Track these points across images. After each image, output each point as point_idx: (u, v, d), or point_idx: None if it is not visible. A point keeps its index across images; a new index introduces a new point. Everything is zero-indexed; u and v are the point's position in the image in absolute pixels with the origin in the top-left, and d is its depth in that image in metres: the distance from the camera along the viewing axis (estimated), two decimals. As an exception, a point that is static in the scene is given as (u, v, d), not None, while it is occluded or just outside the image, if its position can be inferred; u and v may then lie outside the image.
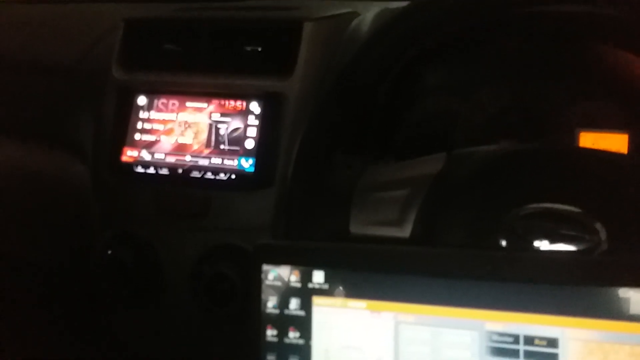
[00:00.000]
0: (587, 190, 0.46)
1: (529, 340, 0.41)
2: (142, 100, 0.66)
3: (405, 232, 0.47)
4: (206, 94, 0.64)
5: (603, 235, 0.44)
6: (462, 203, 0.47)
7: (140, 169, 0.64)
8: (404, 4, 0.75)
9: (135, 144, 0.65)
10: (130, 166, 0.65)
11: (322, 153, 0.54)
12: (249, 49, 0.64)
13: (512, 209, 0.45)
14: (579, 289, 0.40)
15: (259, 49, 0.64)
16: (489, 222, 0.46)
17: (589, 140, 0.66)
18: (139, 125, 0.65)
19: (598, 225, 0.44)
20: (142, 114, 0.66)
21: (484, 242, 0.45)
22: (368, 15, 0.71)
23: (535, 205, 0.45)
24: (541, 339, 0.41)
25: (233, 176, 0.62)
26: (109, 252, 0.63)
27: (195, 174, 0.63)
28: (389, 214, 0.48)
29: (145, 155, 0.65)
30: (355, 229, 0.49)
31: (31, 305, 0.77)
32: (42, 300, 0.77)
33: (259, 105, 0.62)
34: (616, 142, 0.65)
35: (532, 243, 0.45)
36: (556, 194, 0.46)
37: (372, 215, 0.49)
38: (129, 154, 0.65)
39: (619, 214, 0.44)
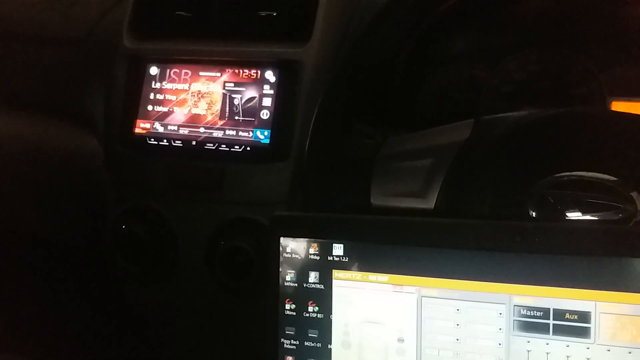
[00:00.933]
0: (621, 157, 0.43)
1: (560, 314, 0.39)
2: (154, 70, 0.64)
3: (429, 203, 0.45)
4: (219, 63, 0.62)
5: (639, 204, 0.41)
6: (490, 172, 0.44)
7: (153, 141, 0.63)
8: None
9: (147, 116, 0.64)
10: (143, 138, 0.63)
11: (340, 123, 0.52)
12: (263, 14, 0.62)
13: (543, 177, 0.43)
14: (612, 260, 0.38)
15: (274, 14, 0.62)
16: (518, 192, 0.44)
17: (621, 108, 0.63)
18: (151, 96, 0.64)
19: (634, 194, 0.42)
20: (154, 85, 0.64)
21: (513, 212, 0.43)
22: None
23: (567, 173, 0.43)
24: (572, 312, 0.39)
25: (248, 148, 0.60)
26: (123, 226, 0.62)
27: (209, 146, 0.61)
28: (412, 184, 0.46)
29: (158, 127, 0.63)
30: (377, 200, 0.48)
31: (45, 281, 0.77)
32: (56, 275, 0.76)
33: (274, 74, 0.60)
34: (650, 111, 0.62)
35: (564, 213, 0.42)
36: (589, 161, 0.43)
37: (394, 186, 0.47)
38: (141, 126, 0.64)
39: None
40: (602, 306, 0.38)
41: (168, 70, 0.64)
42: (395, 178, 0.47)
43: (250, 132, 0.60)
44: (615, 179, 0.42)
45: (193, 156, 0.62)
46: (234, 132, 0.61)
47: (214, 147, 0.61)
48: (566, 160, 0.43)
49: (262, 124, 0.60)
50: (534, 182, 0.43)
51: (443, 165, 0.46)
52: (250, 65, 0.61)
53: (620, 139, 0.44)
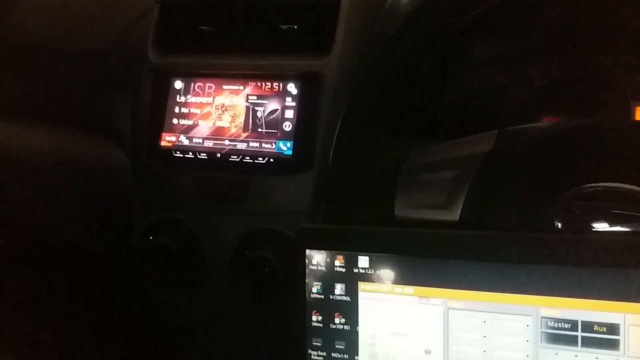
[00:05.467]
0: None
1: (588, 326, 0.39)
2: (178, 84, 0.65)
3: (454, 215, 0.46)
4: (242, 76, 0.63)
5: (667, 215, 0.41)
6: (515, 183, 0.44)
7: (178, 154, 0.64)
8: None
9: (173, 129, 0.65)
10: (169, 151, 0.64)
11: (363, 134, 0.53)
12: (284, 27, 0.63)
13: (568, 189, 0.43)
14: (640, 272, 0.37)
15: (295, 27, 0.62)
16: (543, 203, 0.43)
17: (646, 114, 0.63)
18: (176, 109, 0.65)
19: (661, 205, 0.41)
20: (179, 98, 0.65)
21: (539, 224, 0.43)
22: (407, -12, 0.68)
23: (592, 184, 0.43)
24: (601, 325, 0.39)
25: (271, 160, 0.61)
26: (151, 237, 0.63)
27: (234, 158, 0.62)
28: (437, 196, 0.46)
29: (184, 140, 0.64)
30: (401, 212, 0.48)
31: (76, 290, 0.78)
32: (87, 285, 0.78)
33: (296, 86, 0.61)
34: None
35: (590, 224, 0.42)
36: (614, 172, 0.43)
37: (418, 197, 0.47)
38: (167, 139, 0.65)
39: None
40: (631, 318, 0.38)
41: (192, 84, 0.65)
42: (419, 190, 0.47)
43: (274, 144, 0.61)
44: (640, 189, 0.42)
45: (218, 168, 0.63)
46: (257, 144, 0.62)
47: (238, 159, 0.62)
48: (591, 171, 0.43)
49: (285, 136, 0.61)
50: (559, 194, 0.43)
51: (467, 177, 0.46)
52: (272, 78, 0.62)
53: None
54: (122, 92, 0.71)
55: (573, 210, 0.42)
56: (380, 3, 0.65)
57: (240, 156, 0.62)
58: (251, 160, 0.61)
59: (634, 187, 0.42)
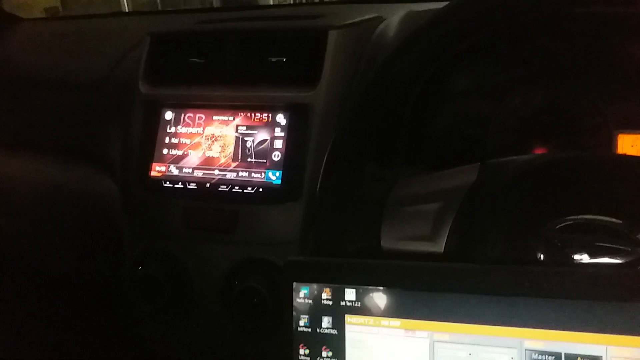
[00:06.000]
0: (627, 200, 0.44)
1: (571, 358, 0.39)
2: (169, 114, 0.66)
3: (439, 246, 0.46)
4: (232, 107, 0.64)
5: (645, 247, 0.42)
6: (498, 216, 0.45)
7: (168, 184, 0.64)
8: (430, 5, 0.73)
9: (163, 159, 0.65)
10: (158, 181, 0.65)
11: (350, 164, 0.53)
12: (273, 59, 0.64)
13: (550, 221, 0.44)
14: (622, 304, 0.38)
15: (284, 60, 0.64)
16: (526, 235, 0.44)
17: (627, 142, 0.64)
18: (167, 139, 0.66)
19: (640, 237, 0.42)
20: (169, 129, 0.66)
21: (522, 256, 0.44)
22: (393, 19, 0.70)
23: (573, 216, 0.44)
24: (584, 357, 0.39)
25: (260, 189, 0.61)
26: (140, 268, 0.64)
27: (223, 187, 0.63)
28: (422, 228, 0.47)
29: (173, 170, 0.65)
30: (387, 243, 0.48)
31: (64, 318, 0.78)
32: (75, 313, 0.78)
33: (285, 117, 0.62)
34: (656, 144, 0.62)
35: (571, 256, 0.43)
36: (595, 204, 0.44)
37: (404, 229, 0.48)
38: (157, 169, 0.65)
39: None
40: (613, 350, 0.39)
41: (183, 115, 0.66)
42: (405, 221, 0.48)
43: (263, 174, 0.62)
44: (620, 221, 0.42)
45: (207, 198, 0.63)
46: (246, 174, 0.62)
47: (227, 189, 0.62)
48: (573, 203, 0.44)
49: (274, 165, 0.62)
50: (541, 226, 0.43)
51: (451, 209, 0.46)
52: (261, 109, 0.63)
53: (625, 182, 0.44)
54: (113, 122, 0.72)
55: (555, 242, 0.43)
56: (367, 36, 0.67)
57: (230, 186, 0.63)
58: (240, 190, 0.62)
59: (614, 219, 0.43)
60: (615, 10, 0.43)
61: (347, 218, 0.52)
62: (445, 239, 0.46)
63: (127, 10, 3.16)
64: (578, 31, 0.56)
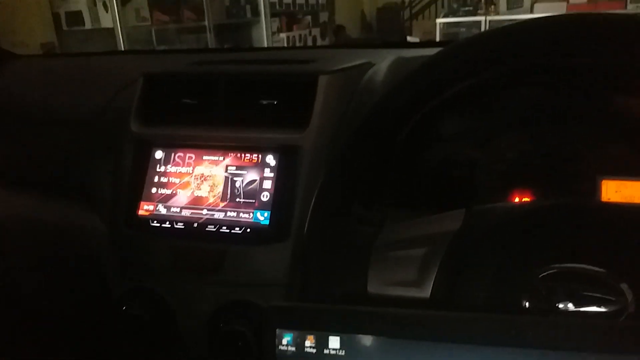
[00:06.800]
0: (611, 249, 0.44)
1: (557, 409, 0.39)
2: (159, 154, 0.67)
3: (426, 292, 0.46)
4: (222, 147, 0.65)
5: (629, 296, 0.42)
6: (483, 262, 0.45)
7: (155, 223, 0.64)
8: (418, 52, 0.75)
9: (151, 198, 0.65)
10: (146, 220, 0.65)
11: (338, 206, 0.54)
12: (264, 102, 0.65)
13: (535, 269, 0.44)
14: (606, 357, 0.38)
15: (275, 102, 0.65)
16: (511, 283, 0.44)
17: (611, 188, 0.65)
18: (156, 178, 0.66)
19: (624, 286, 0.42)
20: (159, 168, 0.66)
21: (507, 303, 0.44)
22: (382, 65, 0.71)
23: (558, 264, 0.44)
24: (570, 408, 0.39)
25: (248, 229, 0.61)
26: (124, 308, 0.63)
27: (211, 227, 0.62)
28: (408, 273, 0.47)
29: (161, 209, 0.65)
30: (373, 288, 0.48)
31: (47, 355, 0.76)
32: (58, 351, 0.76)
33: (275, 158, 0.63)
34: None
35: (556, 305, 0.43)
36: (580, 252, 0.44)
37: (390, 274, 0.48)
38: (145, 208, 0.65)
39: None
40: (599, 401, 0.38)
41: (173, 154, 0.66)
42: (391, 266, 0.48)
43: (251, 214, 0.62)
44: (604, 270, 0.43)
45: (194, 238, 0.63)
46: (234, 214, 0.62)
47: (215, 229, 0.62)
48: (558, 251, 0.44)
49: (262, 206, 0.62)
50: (526, 274, 0.43)
51: (438, 254, 0.46)
52: (251, 150, 0.63)
53: (610, 230, 0.45)
54: (103, 159, 0.72)
55: (540, 290, 0.43)
56: (356, 81, 0.68)
57: (217, 226, 0.62)
58: (228, 230, 0.62)
59: (595, 267, 0.43)
60: (598, 61, 0.45)
61: (335, 261, 0.51)
62: (432, 285, 0.46)
63: (122, 47, 3.21)
64: (562, 80, 0.57)
